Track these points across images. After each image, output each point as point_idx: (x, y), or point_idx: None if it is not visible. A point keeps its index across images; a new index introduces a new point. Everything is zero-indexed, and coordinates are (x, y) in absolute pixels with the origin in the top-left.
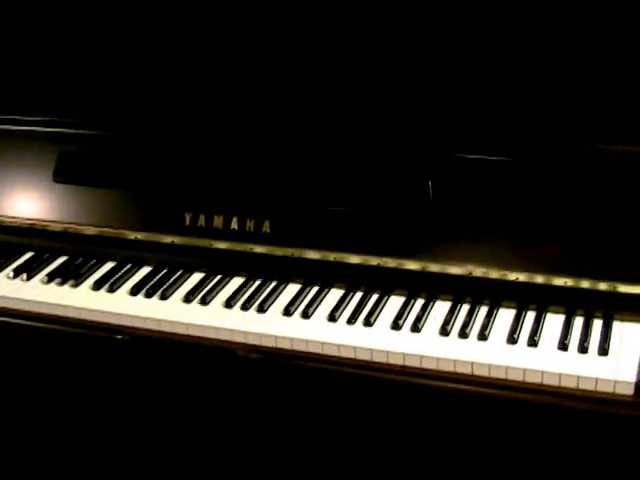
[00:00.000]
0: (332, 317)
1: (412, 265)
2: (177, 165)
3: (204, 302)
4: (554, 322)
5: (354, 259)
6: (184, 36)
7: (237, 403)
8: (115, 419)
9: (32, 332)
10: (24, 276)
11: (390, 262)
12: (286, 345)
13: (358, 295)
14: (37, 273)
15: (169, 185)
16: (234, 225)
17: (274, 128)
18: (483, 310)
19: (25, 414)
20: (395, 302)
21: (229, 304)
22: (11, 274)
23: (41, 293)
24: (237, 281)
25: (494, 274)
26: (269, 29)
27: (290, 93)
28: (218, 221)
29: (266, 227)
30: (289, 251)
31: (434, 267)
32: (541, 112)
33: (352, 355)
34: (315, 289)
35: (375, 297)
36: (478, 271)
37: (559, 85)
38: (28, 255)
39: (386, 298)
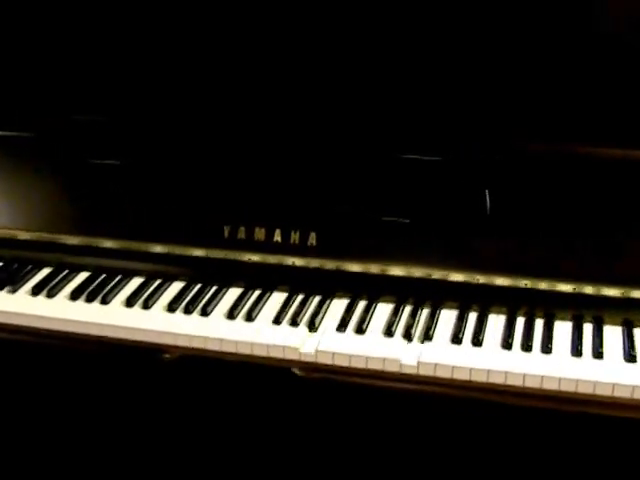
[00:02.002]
0: (389, 332)
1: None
2: (215, 175)
3: (250, 318)
4: None
5: (399, 271)
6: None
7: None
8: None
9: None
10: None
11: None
12: (345, 363)
13: (408, 309)
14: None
15: (206, 196)
16: (277, 237)
17: (324, 133)
18: (539, 322)
19: None
20: (448, 315)
21: (277, 320)
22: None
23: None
24: (279, 296)
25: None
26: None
27: (344, 98)
28: (260, 233)
29: (312, 239)
30: (336, 264)
31: (482, 279)
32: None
33: (431, 373)
34: (363, 303)
35: (427, 311)
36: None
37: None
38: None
39: (438, 312)
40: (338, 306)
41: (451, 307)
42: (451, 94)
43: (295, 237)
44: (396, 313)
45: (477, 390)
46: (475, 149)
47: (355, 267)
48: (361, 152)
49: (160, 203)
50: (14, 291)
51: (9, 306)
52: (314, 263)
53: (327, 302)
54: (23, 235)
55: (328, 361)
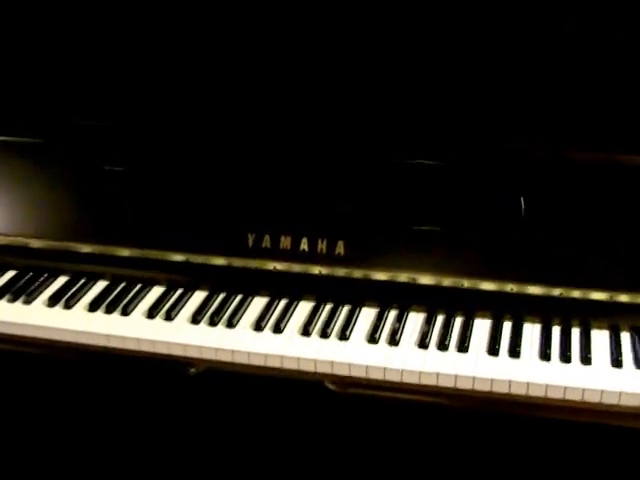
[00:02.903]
0: (423, 344)
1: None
2: (240, 181)
3: (278, 330)
4: None
5: (429, 280)
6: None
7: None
8: None
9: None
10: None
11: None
12: (379, 376)
13: (440, 318)
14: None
15: (229, 204)
16: (304, 246)
17: (354, 140)
18: (575, 331)
19: None
20: (482, 325)
21: (306, 331)
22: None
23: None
24: (306, 306)
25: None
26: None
27: (369, 106)
28: (285, 242)
29: (340, 248)
30: (364, 273)
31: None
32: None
33: (469, 386)
34: (394, 313)
35: (460, 320)
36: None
37: None
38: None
39: (471, 321)
40: (368, 316)
41: (484, 317)
42: (481, 98)
43: (322, 246)
44: (429, 323)
45: (509, 404)
46: (508, 155)
47: (384, 276)
48: (390, 161)
49: (180, 211)
50: (29, 302)
51: (25, 318)
52: (341, 272)
53: (356, 312)
54: (35, 243)
55: (362, 374)
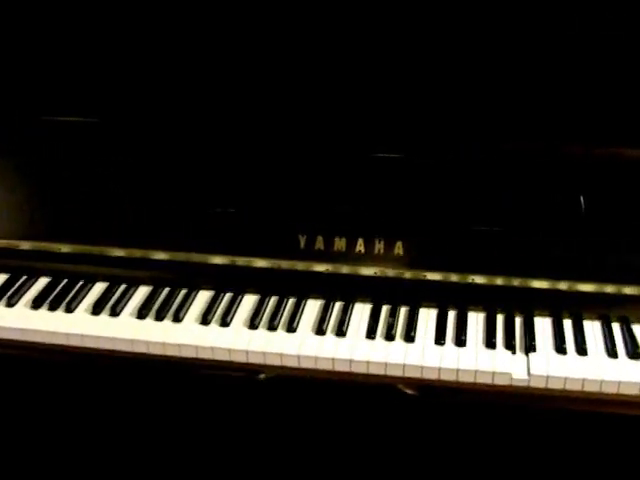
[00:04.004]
0: (491, 343)
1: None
2: (292, 181)
3: (341, 333)
4: None
5: (499, 281)
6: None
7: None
8: None
9: None
10: None
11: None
12: (452, 377)
13: (500, 318)
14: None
15: (280, 204)
16: (359, 247)
17: (410, 138)
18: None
19: None
20: (541, 325)
21: (371, 335)
22: None
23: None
24: (362, 308)
25: None
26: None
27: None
28: (340, 244)
29: (398, 249)
30: (421, 274)
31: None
32: None
33: (543, 385)
34: (454, 312)
35: (520, 320)
36: None
37: None
38: None
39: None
40: (428, 316)
41: (543, 315)
42: (545, 96)
43: (380, 246)
44: (491, 323)
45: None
46: (569, 153)
47: (444, 277)
48: (450, 159)
49: (230, 212)
50: (70, 310)
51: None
52: (401, 273)
53: (416, 313)
54: (65, 248)
55: (434, 376)
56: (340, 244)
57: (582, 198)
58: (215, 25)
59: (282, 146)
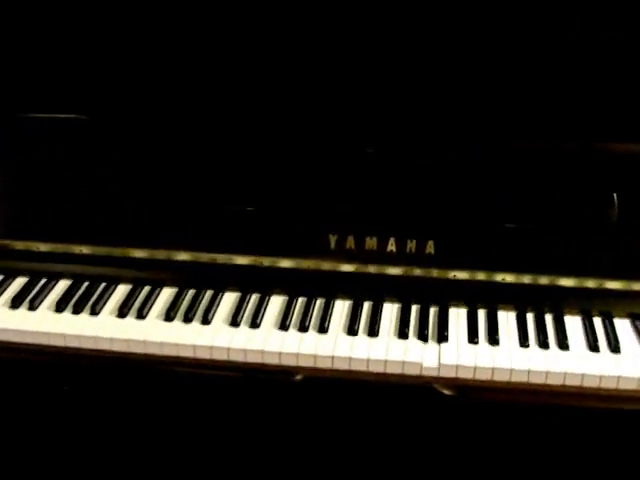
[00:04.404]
0: (524, 343)
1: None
2: (324, 179)
3: (374, 333)
4: None
5: (526, 279)
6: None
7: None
8: None
9: None
10: None
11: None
12: (486, 376)
13: (530, 315)
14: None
15: (310, 203)
16: (391, 247)
17: (445, 139)
18: None
19: None
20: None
21: (403, 333)
22: None
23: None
24: (391, 307)
25: None
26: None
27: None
28: (371, 243)
29: (430, 248)
30: (453, 273)
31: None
32: None
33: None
34: (484, 311)
35: (550, 317)
36: None
37: None
38: None
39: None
40: (459, 316)
41: (573, 314)
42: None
43: (412, 246)
44: (522, 321)
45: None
46: (602, 152)
47: (474, 276)
48: (486, 157)
49: (256, 212)
50: (95, 313)
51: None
52: (432, 272)
53: (446, 312)
54: (85, 250)
55: (469, 375)
56: (371, 243)
57: (615, 196)
58: (215, 22)
59: (313, 145)
